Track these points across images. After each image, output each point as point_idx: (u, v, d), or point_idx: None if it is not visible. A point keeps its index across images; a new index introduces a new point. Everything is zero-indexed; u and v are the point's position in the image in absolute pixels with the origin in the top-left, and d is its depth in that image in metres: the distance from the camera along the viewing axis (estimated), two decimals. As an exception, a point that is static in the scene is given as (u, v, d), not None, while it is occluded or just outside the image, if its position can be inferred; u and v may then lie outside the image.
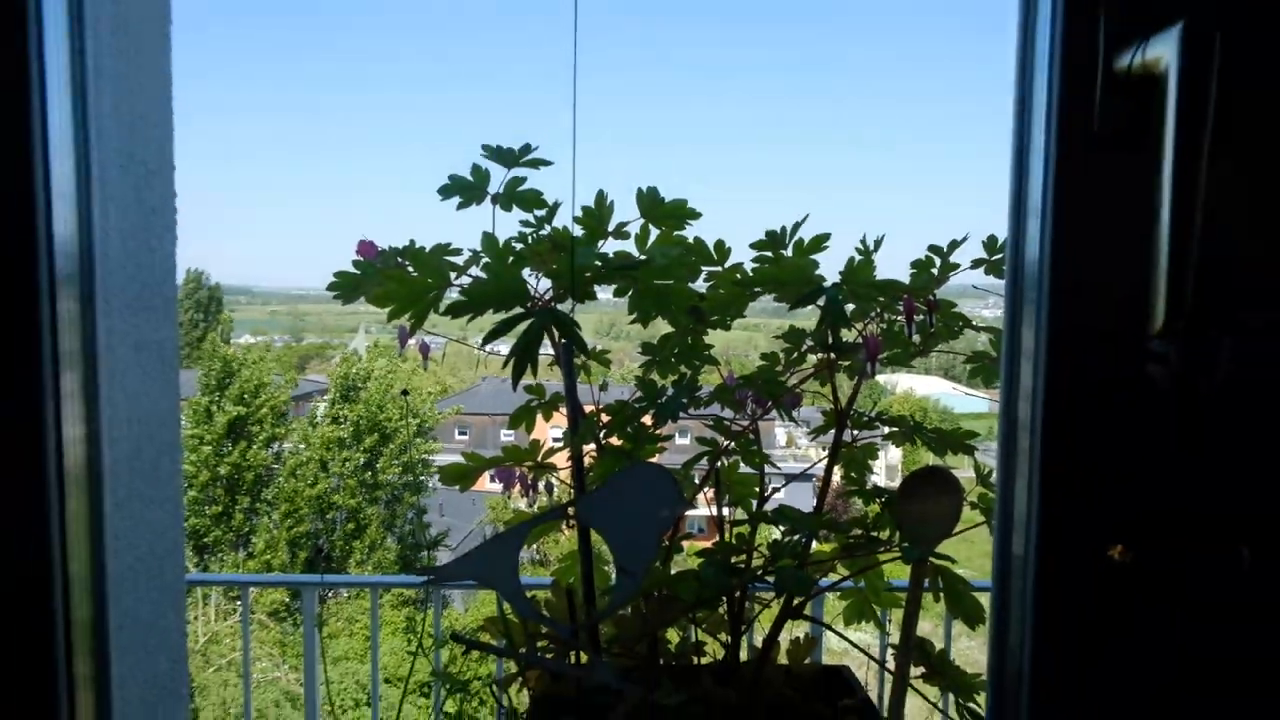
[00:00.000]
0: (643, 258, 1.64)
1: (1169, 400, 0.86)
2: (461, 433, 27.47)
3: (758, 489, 1.60)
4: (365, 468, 19.26)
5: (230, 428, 18.80)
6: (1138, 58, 0.84)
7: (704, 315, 1.47)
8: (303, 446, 19.31)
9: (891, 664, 1.42)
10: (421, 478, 19.81)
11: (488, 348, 1.66)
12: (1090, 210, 0.87)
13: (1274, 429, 0.85)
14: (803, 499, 1.85)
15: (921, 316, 1.37)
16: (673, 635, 1.59)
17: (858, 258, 1.62)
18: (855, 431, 1.55)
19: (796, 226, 1.66)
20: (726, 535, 1.46)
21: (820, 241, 1.68)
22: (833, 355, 1.42)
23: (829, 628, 1.47)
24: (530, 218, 1.58)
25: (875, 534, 1.40)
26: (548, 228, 1.56)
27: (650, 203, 1.70)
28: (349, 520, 19.08)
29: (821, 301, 1.37)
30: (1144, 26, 0.85)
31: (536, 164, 1.67)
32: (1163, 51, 0.82)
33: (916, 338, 1.49)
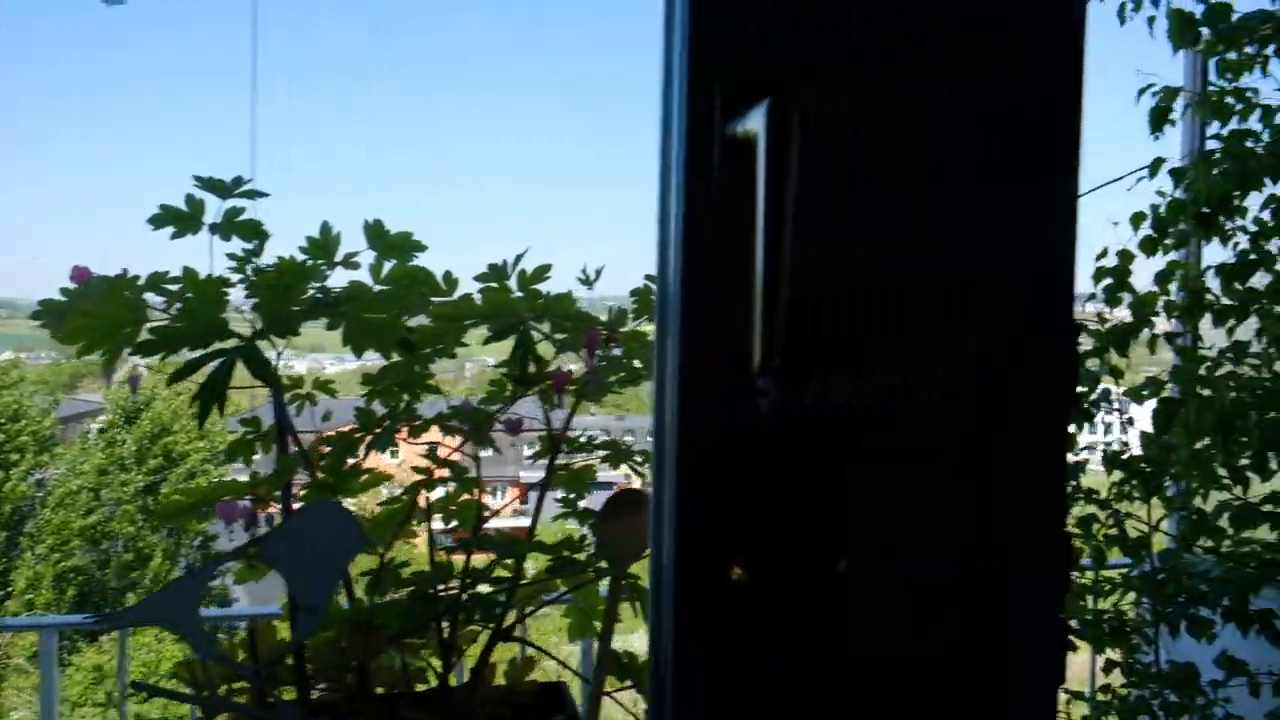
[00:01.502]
0: (369, 288, 1.66)
1: (772, 430, 0.97)
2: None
3: (485, 513, 1.64)
4: (146, 492, 17.92)
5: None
6: (740, 127, 0.94)
7: (413, 347, 1.51)
8: (68, 474, 17.73)
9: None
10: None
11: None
12: (711, 256, 0.97)
13: (858, 454, 0.97)
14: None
15: (613, 349, 1.46)
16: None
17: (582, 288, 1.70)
18: (572, 454, 1.62)
19: (519, 259, 1.73)
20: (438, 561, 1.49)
21: (542, 272, 1.75)
22: (525, 386, 1.49)
23: (537, 647, 1.53)
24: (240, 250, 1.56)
25: (575, 555, 1.47)
26: (258, 260, 1.55)
27: (376, 234, 1.72)
28: (127, 550, 17.70)
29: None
30: (745, 102, 0.95)
31: (252, 195, 1.66)
32: (755, 124, 0.93)
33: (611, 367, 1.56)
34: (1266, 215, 2.59)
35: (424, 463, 1.58)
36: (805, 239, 0.95)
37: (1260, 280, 2.65)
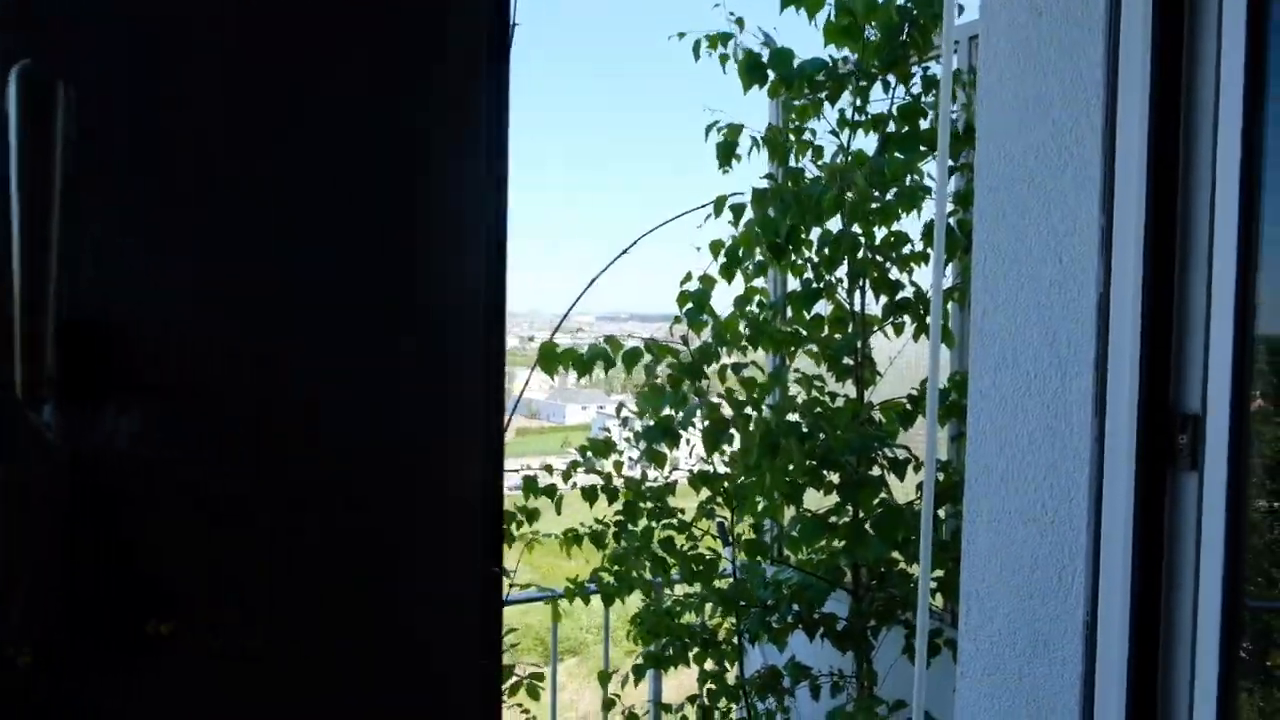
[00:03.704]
0: None
1: (64, 473, 0.80)
2: None
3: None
4: None
5: None
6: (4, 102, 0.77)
7: None
8: None
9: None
10: None
11: None
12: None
13: (179, 501, 0.82)
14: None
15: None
16: None
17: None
18: None
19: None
20: None
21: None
22: None
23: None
24: None
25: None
26: None
27: None
28: None
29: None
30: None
31: None
32: (10, 96, 0.76)
33: None
34: (826, 250, 2.79)
35: None
36: (99, 246, 0.78)
37: (824, 308, 2.85)
